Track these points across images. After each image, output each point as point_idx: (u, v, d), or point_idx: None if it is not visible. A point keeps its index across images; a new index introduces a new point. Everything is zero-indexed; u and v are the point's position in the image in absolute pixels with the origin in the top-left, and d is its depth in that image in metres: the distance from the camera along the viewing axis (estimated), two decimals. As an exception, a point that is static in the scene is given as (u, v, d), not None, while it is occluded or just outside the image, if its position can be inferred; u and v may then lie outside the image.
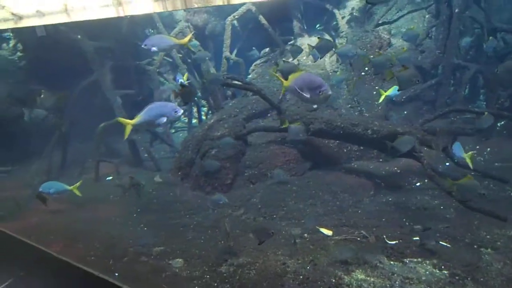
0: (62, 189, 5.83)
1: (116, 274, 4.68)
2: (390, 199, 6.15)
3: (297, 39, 9.68)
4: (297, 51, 6.92)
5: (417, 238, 4.80)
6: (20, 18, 7.71)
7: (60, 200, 6.58)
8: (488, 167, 6.78)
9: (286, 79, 4.03)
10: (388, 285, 4.00)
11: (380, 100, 6.82)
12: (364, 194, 6.28)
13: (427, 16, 10.07)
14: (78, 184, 5.86)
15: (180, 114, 4.45)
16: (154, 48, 5.82)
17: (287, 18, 10.28)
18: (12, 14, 7.70)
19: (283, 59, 8.50)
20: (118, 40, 8.47)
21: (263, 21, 9.66)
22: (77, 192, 5.87)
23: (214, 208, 5.99)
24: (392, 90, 6.63)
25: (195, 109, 10.96)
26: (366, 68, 8.79)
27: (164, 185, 6.95)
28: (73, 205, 6.55)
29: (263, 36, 10.34)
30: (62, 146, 7.88)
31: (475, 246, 4.62)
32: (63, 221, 5.98)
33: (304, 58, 9.23)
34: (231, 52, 10.08)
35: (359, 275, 4.17)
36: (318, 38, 5.94)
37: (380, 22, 9.67)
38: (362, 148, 7.37)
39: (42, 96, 6.90)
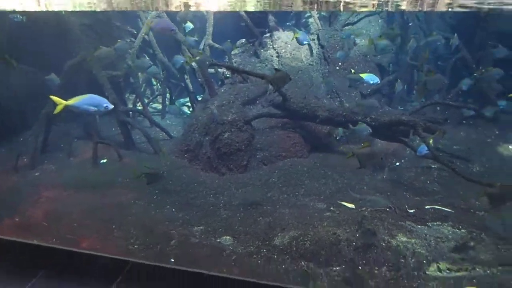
0: None
1: (172, 260, 4.59)
2: (384, 176, 7.05)
3: (273, 32, 10.09)
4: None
5: (428, 206, 5.73)
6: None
7: (64, 186, 6.05)
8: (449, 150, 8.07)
9: None
10: (426, 244, 4.77)
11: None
12: (363, 173, 7.07)
13: (380, 21, 11.41)
14: None
15: None
16: None
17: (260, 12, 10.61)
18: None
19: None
20: (98, 19, 7.83)
21: (242, 12, 9.86)
22: None
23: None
24: (366, 75, 7.47)
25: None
26: (340, 63, 9.70)
27: (172, 167, 6.80)
28: (82, 191, 6.04)
29: (231, 26, 10.52)
30: (44, 127, 7.04)
31: (471, 211, 5.69)
32: (81, 210, 5.48)
33: (283, 51, 9.71)
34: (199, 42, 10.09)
35: (402, 238, 4.86)
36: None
37: (346, 23, 10.68)
38: (347, 133, 8.21)
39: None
